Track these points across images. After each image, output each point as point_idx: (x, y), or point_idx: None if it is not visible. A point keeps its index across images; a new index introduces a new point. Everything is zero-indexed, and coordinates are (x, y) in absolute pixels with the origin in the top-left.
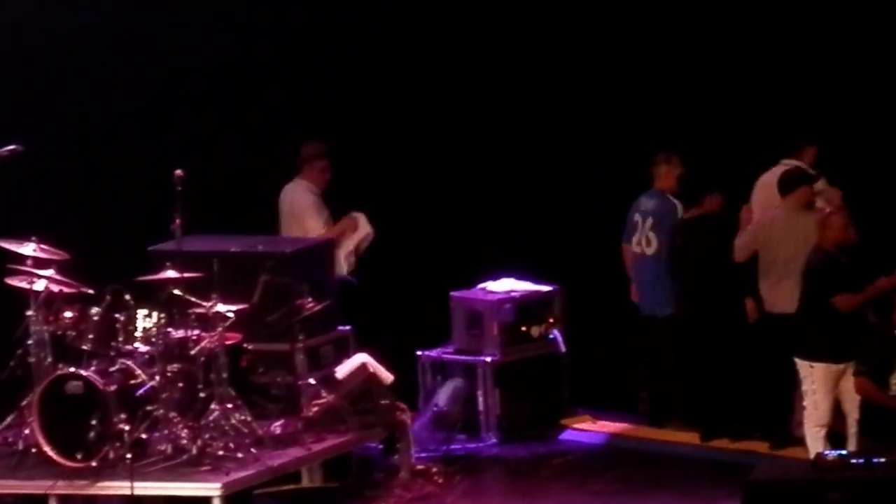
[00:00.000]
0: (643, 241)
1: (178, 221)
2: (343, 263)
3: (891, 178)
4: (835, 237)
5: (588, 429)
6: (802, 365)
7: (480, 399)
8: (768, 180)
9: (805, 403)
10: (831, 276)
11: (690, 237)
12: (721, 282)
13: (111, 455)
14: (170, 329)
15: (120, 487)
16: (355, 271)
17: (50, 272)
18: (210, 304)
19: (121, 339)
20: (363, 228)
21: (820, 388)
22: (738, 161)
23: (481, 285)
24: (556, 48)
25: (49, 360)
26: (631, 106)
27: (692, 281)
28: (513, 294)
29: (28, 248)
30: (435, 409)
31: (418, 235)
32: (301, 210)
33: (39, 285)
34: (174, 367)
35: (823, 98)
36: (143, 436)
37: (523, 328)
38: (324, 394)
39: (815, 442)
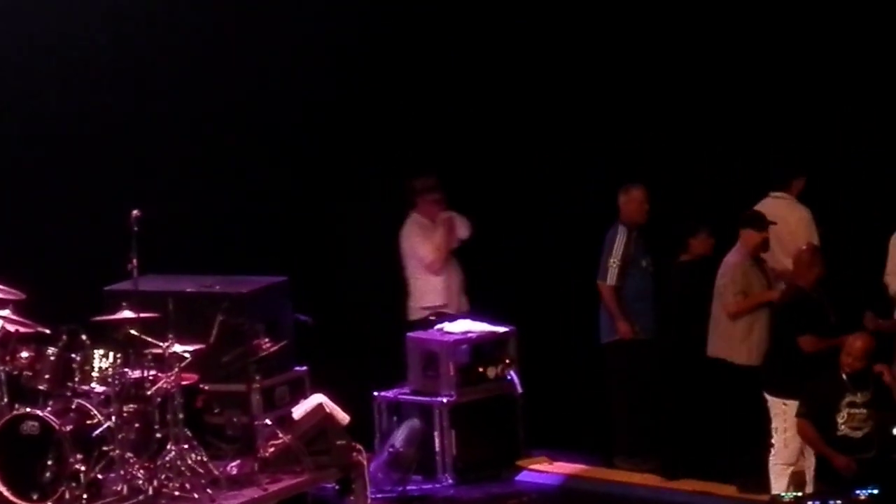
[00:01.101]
0: None
1: (134, 261)
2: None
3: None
4: (819, 273)
5: (544, 470)
6: (775, 402)
7: (436, 440)
8: None
9: (773, 441)
10: (804, 315)
11: (674, 281)
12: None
13: (67, 496)
14: (126, 369)
15: None
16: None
17: (6, 312)
18: (166, 344)
19: (77, 379)
20: (461, 227)
21: (791, 426)
22: (727, 195)
23: (438, 326)
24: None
25: (5, 400)
26: (596, 136)
27: (670, 322)
28: (469, 335)
29: None
30: (391, 449)
31: (375, 275)
32: (412, 246)
33: None
34: (130, 407)
35: (813, 129)
36: (99, 476)
37: (479, 369)
38: (279, 434)
39: (779, 480)
